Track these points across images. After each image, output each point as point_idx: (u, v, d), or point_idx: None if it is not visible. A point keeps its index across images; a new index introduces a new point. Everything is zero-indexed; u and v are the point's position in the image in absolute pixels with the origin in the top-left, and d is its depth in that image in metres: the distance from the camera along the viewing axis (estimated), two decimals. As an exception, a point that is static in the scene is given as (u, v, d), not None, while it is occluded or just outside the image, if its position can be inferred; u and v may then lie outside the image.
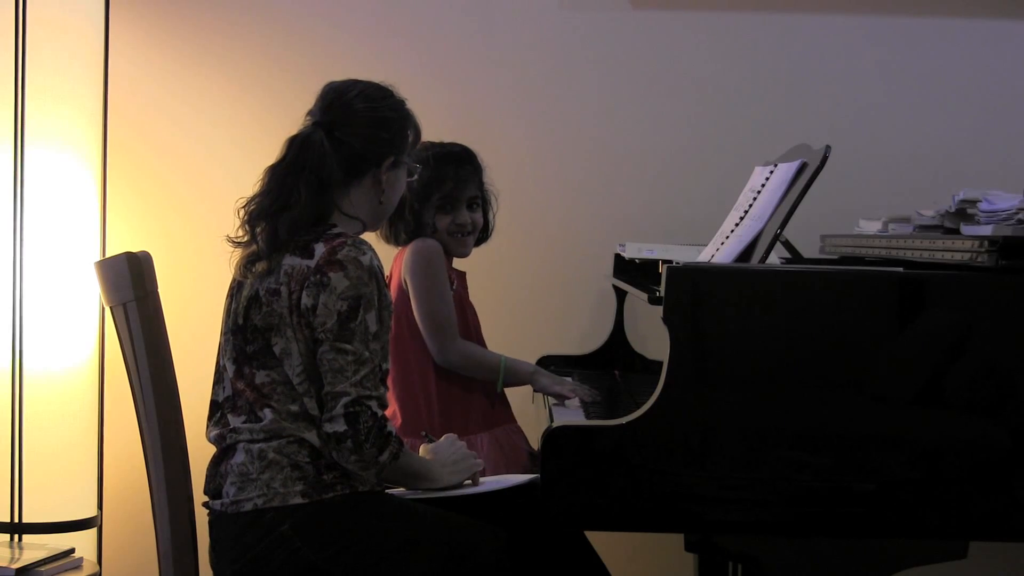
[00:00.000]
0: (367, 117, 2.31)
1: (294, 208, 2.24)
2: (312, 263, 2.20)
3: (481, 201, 2.85)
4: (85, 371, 3.14)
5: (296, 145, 2.29)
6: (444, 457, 2.39)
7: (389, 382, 2.53)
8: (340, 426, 2.17)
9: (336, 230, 2.26)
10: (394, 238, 2.83)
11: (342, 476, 2.22)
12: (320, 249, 2.21)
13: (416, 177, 2.55)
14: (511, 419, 2.89)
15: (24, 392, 3.03)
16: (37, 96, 3.03)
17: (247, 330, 2.24)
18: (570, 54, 3.46)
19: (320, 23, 3.45)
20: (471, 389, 2.80)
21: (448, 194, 2.79)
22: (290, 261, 2.22)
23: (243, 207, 2.29)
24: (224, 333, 2.31)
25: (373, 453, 2.18)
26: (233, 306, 2.29)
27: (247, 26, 3.46)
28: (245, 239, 2.28)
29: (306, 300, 2.19)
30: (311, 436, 2.20)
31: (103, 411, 3.21)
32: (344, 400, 2.17)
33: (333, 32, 3.45)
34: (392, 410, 2.76)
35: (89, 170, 3.17)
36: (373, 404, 2.18)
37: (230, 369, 2.27)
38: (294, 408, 2.21)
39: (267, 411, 2.21)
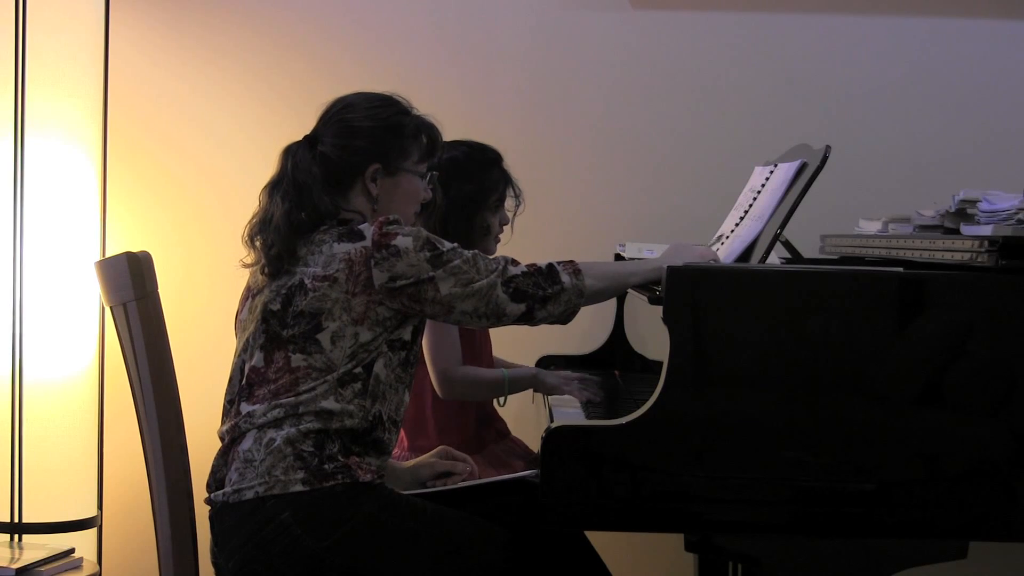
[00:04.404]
0: (340, 127, 2.36)
1: (279, 215, 2.28)
2: (368, 243, 2.23)
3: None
4: (85, 371, 3.14)
5: (281, 158, 2.37)
6: None
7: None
8: (517, 310, 2.25)
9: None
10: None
11: (343, 466, 2.22)
12: (368, 229, 2.25)
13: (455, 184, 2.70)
14: (500, 438, 2.88)
15: (24, 393, 3.02)
16: (37, 85, 3.03)
17: (287, 315, 2.25)
18: (570, 54, 3.46)
19: (324, 14, 3.45)
20: (465, 413, 2.81)
21: (502, 194, 2.83)
22: (342, 248, 2.24)
23: (245, 231, 2.34)
24: (244, 329, 2.33)
25: (557, 290, 2.26)
26: (260, 299, 2.30)
27: (252, 12, 3.46)
28: (251, 257, 2.34)
29: (380, 277, 2.22)
30: (330, 423, 2.22)
31: (103, 411, 3.21)
32: (498, 294, 2.24)
33: (336, 25, 3.44)
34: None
35: (90, 161, 3.17)
36: (510, 269, 2.26)
37: (257, 357, 2.27)
38: (322, 389, 2.22)
39: (291, 396, 2.22)
